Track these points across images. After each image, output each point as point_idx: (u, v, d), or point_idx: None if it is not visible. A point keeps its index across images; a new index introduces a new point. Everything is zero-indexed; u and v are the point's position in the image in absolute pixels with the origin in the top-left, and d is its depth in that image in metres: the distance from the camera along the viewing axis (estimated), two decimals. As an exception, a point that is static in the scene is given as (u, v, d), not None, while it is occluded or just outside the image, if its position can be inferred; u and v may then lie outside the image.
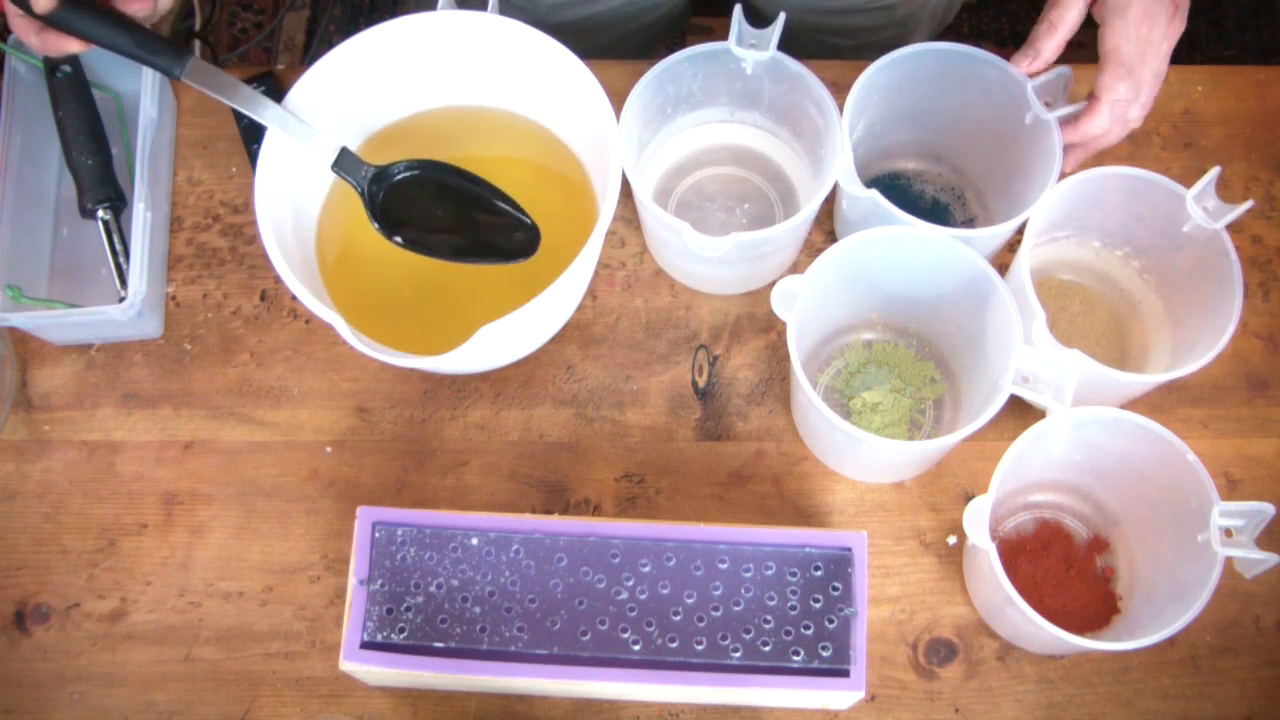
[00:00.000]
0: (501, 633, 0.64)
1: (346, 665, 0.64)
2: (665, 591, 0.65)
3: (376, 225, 0.71)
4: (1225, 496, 0.73)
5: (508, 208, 0.73)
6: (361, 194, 0.72)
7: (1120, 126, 0.71)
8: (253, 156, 0.84)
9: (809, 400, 0.65)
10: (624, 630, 0.64)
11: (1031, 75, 0.72)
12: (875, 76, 0.73)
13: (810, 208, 0.71)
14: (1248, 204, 0.68)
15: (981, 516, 0.63)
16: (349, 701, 0.72)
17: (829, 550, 0.65)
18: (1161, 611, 0.64)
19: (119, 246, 0.79)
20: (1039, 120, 0.72)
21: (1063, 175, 0.71)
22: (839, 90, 0.84)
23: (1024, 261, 0.68)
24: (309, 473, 0.77)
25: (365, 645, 0.64)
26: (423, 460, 0.77)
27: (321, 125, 0.74)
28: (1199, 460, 0.64)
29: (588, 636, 0.64)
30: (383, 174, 0.72)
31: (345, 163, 0.71)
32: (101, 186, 0.79)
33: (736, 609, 0.64)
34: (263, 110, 0.69)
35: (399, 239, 0.72)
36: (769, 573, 0.65)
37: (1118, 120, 0.71)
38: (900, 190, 0.83)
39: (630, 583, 0.65)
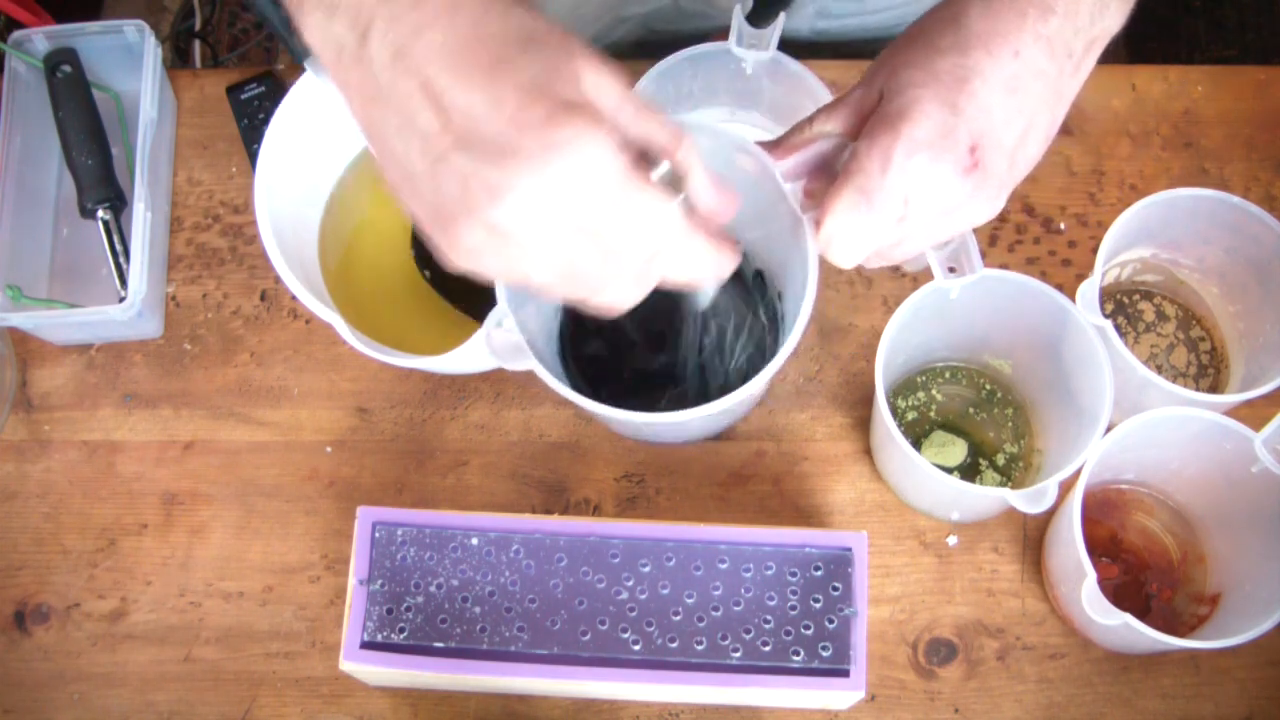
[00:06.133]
0: (501, 633, 0.64)
1: (346, 665, 0.64)
2: (665, 591, 0.65)
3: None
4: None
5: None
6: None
7: (866, 258, 0.55)
8: (253, 156, 0.84)
9: (889, 428, 0.65)
10: (624, 630, 0.64)
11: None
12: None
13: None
14: None
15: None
16: (349, 701, 0.72)
17: (829, 550, 0.65)
18: (1256, 599, 0.64)
19: (119, 246, 0.79)
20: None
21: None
22: (838, 90, 0.84)
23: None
24: (309, 473, 0.77)
25: (365, 645, 0.64)
26: (423, 460, 0.77)
27: (319, 132, 0.73)
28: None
29: (588, 636, 0.64)
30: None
31: None
32: (101, 186, 0.79)
33: (736, 609, 0.64)
34: None
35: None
36: (769, 573, 0.65)
37: (849, 247, 0.53)
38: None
39: (630, 583, 0.65)
